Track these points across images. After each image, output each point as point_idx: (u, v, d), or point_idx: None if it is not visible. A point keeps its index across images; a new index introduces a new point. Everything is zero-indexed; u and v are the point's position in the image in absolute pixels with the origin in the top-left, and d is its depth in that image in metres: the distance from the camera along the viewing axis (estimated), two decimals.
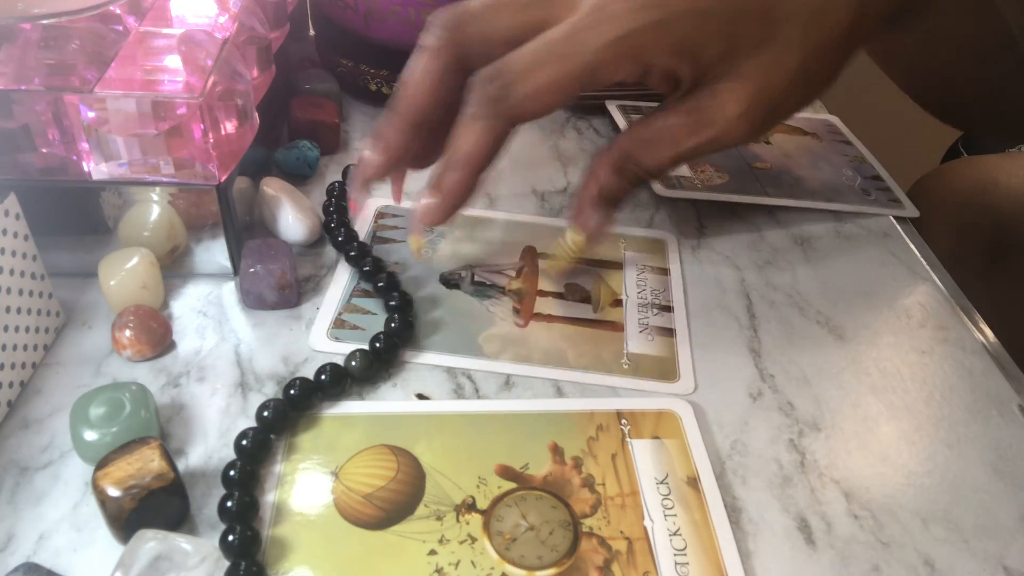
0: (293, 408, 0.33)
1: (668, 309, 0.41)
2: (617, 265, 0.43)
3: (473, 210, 0.46)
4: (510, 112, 0.31)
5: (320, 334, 0.37)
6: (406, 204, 0.43)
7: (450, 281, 0.41)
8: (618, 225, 0.46)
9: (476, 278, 0.41)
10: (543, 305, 0.40)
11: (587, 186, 0.36)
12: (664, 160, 0.35)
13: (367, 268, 0.40)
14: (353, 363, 0.35)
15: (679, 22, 0.31)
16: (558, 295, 0.41)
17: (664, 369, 0.37)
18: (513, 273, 0.42)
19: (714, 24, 0.31)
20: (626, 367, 0.37)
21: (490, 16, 0.32)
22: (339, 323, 0.38)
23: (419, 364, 0.37)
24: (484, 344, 0.38)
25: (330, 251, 0.42)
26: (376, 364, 0.35)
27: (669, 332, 0.39)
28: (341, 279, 0.41)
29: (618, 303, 0.41)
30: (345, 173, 0.47)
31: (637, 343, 0.38)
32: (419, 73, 0.33)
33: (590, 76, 0.31)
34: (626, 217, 0.47)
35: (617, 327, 0.39)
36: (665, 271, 0.43)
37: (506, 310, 0.40)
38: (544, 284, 0.41)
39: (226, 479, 0.30)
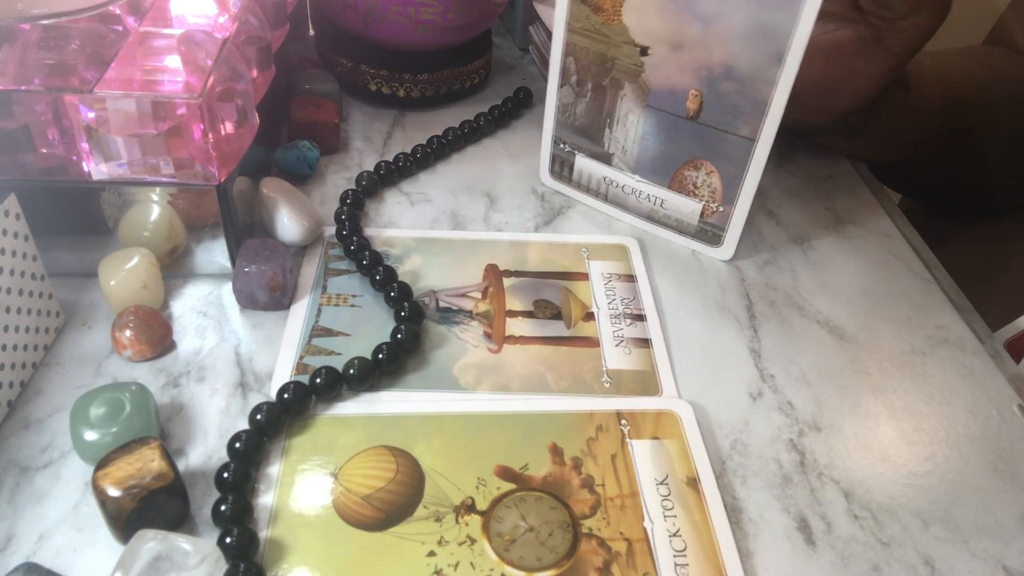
0: (287, 411, 0.33)
1: (641, 318, 0.40)
2: (583, 276, 0.43)
3: (426, 231, 0.45)
4: None
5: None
6: None
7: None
8: (578, 233, 0.46)
9: (441, 303, 0.40)
10: (514, 326, 0.39)
11: None
12: None
13: (379, 277, 0.40)
14: (351, 371, 0.35)
15: None
16: (528, 314, 0.40)
17: (646, 383, 0.37)
18: (478, 294, 0.41)
19: None
20: (607, 385, 0.36)
21: None
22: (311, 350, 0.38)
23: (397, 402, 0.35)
24: (460, 375, 0.36)
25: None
26: (376, 373, 0.35)
27: (645, 343, 0.39)
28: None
29: (590, 316, 0.40)
30: (358, 181, 0.46)
31: (615, 358, 0.38)
32: None
33: None
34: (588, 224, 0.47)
35: (592, 342, 0.39)
36: (632, 278, 0.43)
37: (477, 335, 0.39)
38: (512, 303, 0.40)
39: (220, 481, 0.30)
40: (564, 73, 0.44)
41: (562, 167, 0.47)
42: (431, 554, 0.29)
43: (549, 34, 0.56)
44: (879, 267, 0.45)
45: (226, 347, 0.37)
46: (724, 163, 0.41)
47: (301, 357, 0.36)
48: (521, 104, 0.56)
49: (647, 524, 0.31)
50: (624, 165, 0.44)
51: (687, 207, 0.43)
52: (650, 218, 0.45)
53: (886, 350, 0.40)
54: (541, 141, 0.47)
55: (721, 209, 0.42)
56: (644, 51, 0.40)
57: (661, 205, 0.44)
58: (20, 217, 0.33)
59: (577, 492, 0.32)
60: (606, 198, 0.46)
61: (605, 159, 0.45)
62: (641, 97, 0.42)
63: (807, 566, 0.30)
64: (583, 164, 0.46)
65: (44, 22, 0.36)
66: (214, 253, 0.39)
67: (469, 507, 0.31)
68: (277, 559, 0.29)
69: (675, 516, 0.31)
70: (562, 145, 0.46)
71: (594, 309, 0.41)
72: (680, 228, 0.45)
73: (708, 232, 0.44)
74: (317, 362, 0.36)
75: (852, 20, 0.41)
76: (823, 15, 0.40)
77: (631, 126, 0.43)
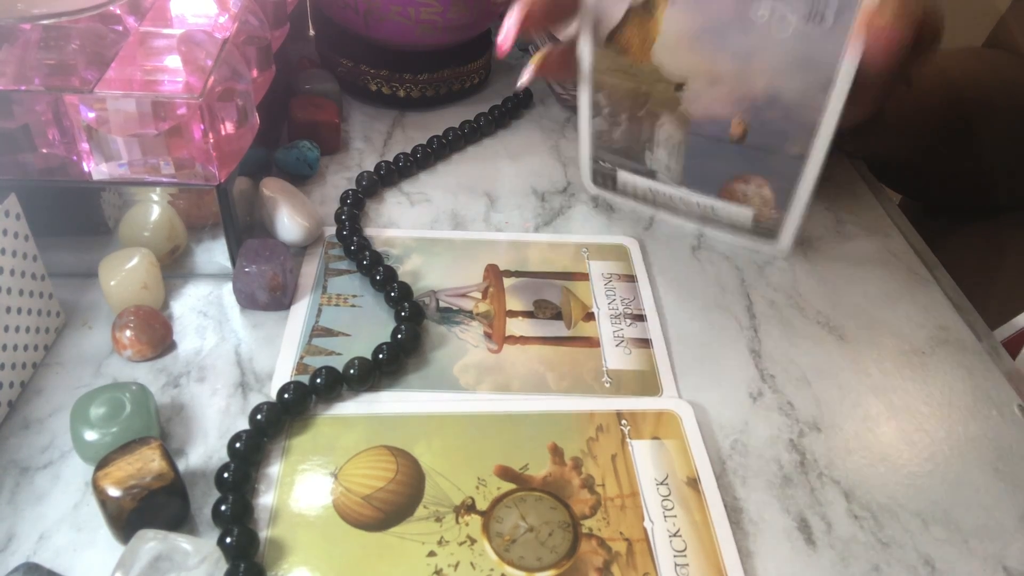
0: (287, 411, 0.33)
1: (641, 318, 0.40)
2: (583, 276, 0.43)
3: (426, 231, 0.45)
4: None
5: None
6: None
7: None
8: (578, 233, 0.45)
9: (441, 303, 0.40)
10: (514, 326, 0.39)
11: None
12: None
13: (379, 277, 0.40)
14: (352, 371, 0.35)
15: None
16: (528, 314, 0.40)
17: (646, 383, 0.37)
18: (479, 295, 0.41)
19: None
20: (608, 385, 0.36)
21: None
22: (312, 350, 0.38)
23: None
24: (460, 375, 0.36)
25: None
26: (376, 373, 0.35)
27: (646, 343, 0.39)
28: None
29: (590, 316, 0.40)
30: (359, 181, 0.46)
31: (615, 358, 0.38)
32: None
33: None
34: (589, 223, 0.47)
35: (593, 342, 0.39)
36: (632, 278, 0.43)
37: (477, 335, 0.38)
38: (512, 304, 0.40)
39: (220, 481, 0.30)
40: (595, 106, 0.42)
41: (604, 179, 0.46)
42: (431, 554, 0.29)
43: (550, 35, 0.56)
44: (879, 267, 0.45)
45: (226, 347, 0.37)
46: (774, 177, 0.39)
47: (301, 357, 0.36)
48: (521, 104, 0.56)
49: (647, 524, 0.31)
50: (670, 180, 0.43)
51: (740, 213, 0.42)
52: (703, 219, 0.44)
53: (886, 350, 0.40)
54: (579, 153, 0.45)
55: (775, 215, 0.40)
56: (680, 87, 0.39)
57: (713, 211, 0.43)
58: (20, 217, 0.33)
59: (577, 492, 0.32)
60: (655, 203, 0.45)
61: (649, 175, 0.44)
62: (682, 125, 0.40)
63: (807, 566, 0.30)
64: (626, 178, 0.45)
65: (44, 22, 0.36)
66: (214, 253, 0.39)
67: (469, 507, 0.31)
68: (277, 559, 0.29)
69: (675, 516, 0.31)
70: (602, 163, 0.45)
71: (594, 309, 0.40)
72: (734, 229, 0.43)
73: (764, 230, 0.42)
74: (317, 362, 0.36)
75: None
76: None
77: (673, 149, 0.42)
